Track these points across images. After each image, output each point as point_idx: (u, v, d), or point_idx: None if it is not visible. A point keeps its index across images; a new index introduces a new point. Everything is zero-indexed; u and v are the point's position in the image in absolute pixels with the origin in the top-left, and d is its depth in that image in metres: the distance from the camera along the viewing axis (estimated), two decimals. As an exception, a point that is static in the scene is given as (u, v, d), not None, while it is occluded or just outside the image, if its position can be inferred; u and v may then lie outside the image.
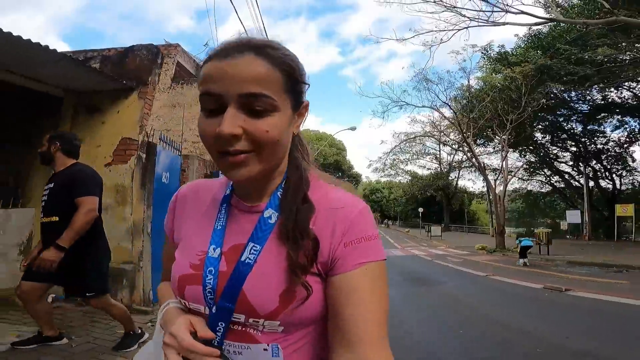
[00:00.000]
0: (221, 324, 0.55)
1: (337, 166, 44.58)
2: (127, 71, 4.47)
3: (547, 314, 4.81)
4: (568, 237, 22.61)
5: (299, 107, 0.60)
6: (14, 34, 2.93)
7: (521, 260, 10.76)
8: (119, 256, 3.87)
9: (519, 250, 11.14)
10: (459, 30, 12.06)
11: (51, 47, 3.32)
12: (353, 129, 22.73)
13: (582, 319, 4.46)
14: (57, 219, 2.46)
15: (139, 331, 2.80)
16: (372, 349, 0.52)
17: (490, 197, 20.64)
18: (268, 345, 0.55)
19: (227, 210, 0.63)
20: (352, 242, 0.56)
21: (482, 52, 18.14)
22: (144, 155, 4.27)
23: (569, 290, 6.09)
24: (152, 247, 4.30)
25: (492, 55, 18.38)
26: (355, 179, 49.03)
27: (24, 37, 3.01)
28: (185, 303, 0.60)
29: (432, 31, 13.19)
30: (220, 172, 0.61)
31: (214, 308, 0.56)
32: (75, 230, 2.36)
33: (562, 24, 12.85)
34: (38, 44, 3.18)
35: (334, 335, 0.54)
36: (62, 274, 2.36)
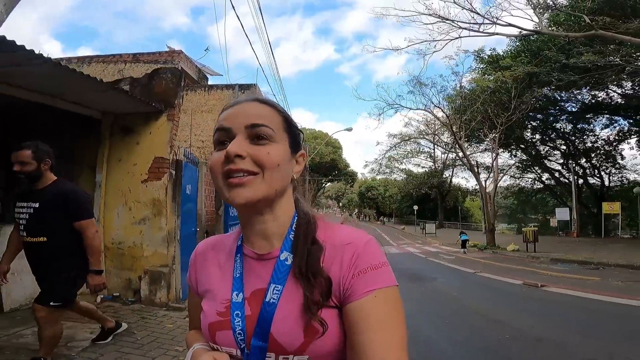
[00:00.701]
0: None
1: (333, 165, 45.09)
2: (155, 94, 5.02)
3: (520, 306, 5.55)
4: (560, 233, 23.24)
5: (296, 150, 0.68)
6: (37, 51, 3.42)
7: (462, 250, 15.93)
8: (157, 260, 4.54)
9: (460, 243, 16.42)
10: (451, 40, 12.81)
11: (44, 46, 3.96)
12: (349, 129, 23.31)
13: (548, 311, 5.18)
14: (44, 239, 2.40)
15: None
16: None
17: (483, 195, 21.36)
18: None
19: (242, 259, 0.68)
20: (360, 272, 0.59)
21: (474, 54, 18.88)
22: (173, 172, 4.90)
23: (544, 286, 6.83)
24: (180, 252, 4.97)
25: (484, 57, 19.15)
26: (351, 177, 49.58)
27: (70, 67, 3.60)
28: (218, 348, 0.64)
29: (425, 41, 14.01)
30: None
31: (248, 349, 0.60)
32: (97, 252, 2.54)
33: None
34: (87, 76, 3.78)
35: None
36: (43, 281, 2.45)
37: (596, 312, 4.97)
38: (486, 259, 13.07)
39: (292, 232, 0.66)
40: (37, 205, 2.41)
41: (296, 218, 0.68)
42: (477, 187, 21.38)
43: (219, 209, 8.23)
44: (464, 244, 16.21)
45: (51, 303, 2.39)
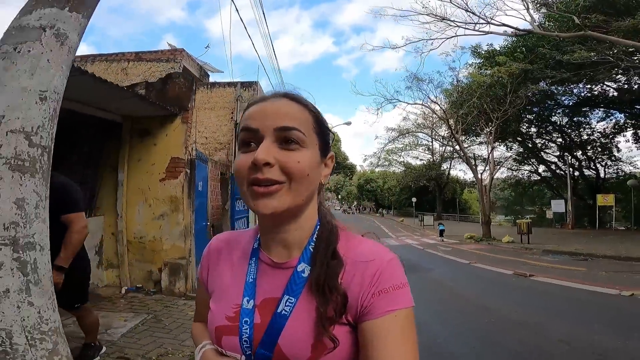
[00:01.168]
0: None
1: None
2: (169, 98, 5.37)
3: (508, 294, 6.01)
4: (556, 225, 23.60)
5: (326, 153, 0.65)
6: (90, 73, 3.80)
7: (439, 238, 18.48)
8: (176, 253, 4.96)
9: (438, 232, 19.24)
10: (448, 38, 13.17)
11: None
12: (348, 124, 23.68)
13: (532, 298, 5.64)
14: None
15: (99, 344, 2.79)
16: None
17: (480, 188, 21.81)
18: None
19: (257, 264, 0.66)
20: (380, 291, 0.58)
21: (471, 50, 19.21)
22: (188, 171, 5.29)
23: (532, 276, 7.29)
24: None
25: (481, 52, 19.46)
26: (350, 170, 49.93)
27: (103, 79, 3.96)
28: (222, 351, 0.64)
29: (422, 40, 14.34)
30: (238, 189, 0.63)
31: (252, 357, 0.60)
32: (72, 250, 2.30)
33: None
34: (116, 85, 4.15)
35: None
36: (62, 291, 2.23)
37: (576, 300, 5.41)
38: (481, 250, 13.54)
39: (313, 243, 0.64)
40: None
41: (318, 227, 0.66)
42: (475, 179, 21.80)
43: (226, 203, 8.63)
44: (441, 233, 18.85)
45: (75, 305, 2.49)
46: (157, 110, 5.15)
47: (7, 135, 1.35)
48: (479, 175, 20.51)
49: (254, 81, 12.20)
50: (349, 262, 0.61)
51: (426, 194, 41.49)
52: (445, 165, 39.37)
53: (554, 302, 5.36)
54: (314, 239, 0.65)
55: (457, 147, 21.33)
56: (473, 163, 21.29)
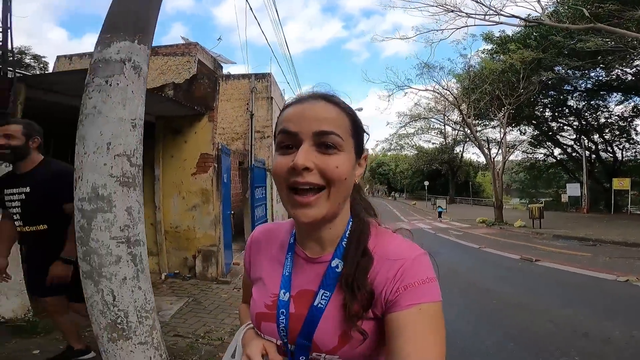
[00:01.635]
0: (302, 357, 0.66)
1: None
2: (195, 98, 5.85)
3: (512, 278, 6.43)
4: (571, 209, 23.50)
5: (360, 154, 0.68)
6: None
7: (439, 219, 20.53)
8: (207, 241, 5.53)
9: (437, 213, 21.84)
10: (458, 28, 13.21)
11: (49, 34, 4.70)
12: (360, 110, 23.77)
13: (533, 282, 6.04)
14: (45, 227, 2.20)
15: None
16: None
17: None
18: None
19: (292, 258, 0.72)
20: (406, 286, 0.61)
21: (483, 37, 18.97)
22: (216, 165, 5.81)
23: (538, 260, 7.66)
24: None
25: (493, 38, 19.20)
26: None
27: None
28: (261, 334, 0.71)
29: (432, 30, 14.33)
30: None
31: (290, 343, 0.67)
32: (75, 241, 2.09)
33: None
34: (156, 95, 4.62)
35: None
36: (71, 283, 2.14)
37: (574, 285, 5.78)
38: (492, 234, 13.77)
39: (345, 239, 0.67)
40: (27, 189, 2.17)
41: (351, 223, 0.69)
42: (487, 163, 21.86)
43: (246, 192, 9.16)
44: (439, 214, 21.53)
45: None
46: (186, 111, 5.62)
47: (114, 158, 1.78)
48: (492, 159, 20.57)
49: (267, 73, 12.57)
50: (376, 258, 0.65)
51: (439, 177, 41.53)
52: (458, 149, 39.21)
53: (552, 286, 5.76)
54: (347, 236, 0.68)
55: (469, 132, 21.34)
56: (486, 146, 21.32)
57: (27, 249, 2.36)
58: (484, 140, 23.35)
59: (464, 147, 38.34)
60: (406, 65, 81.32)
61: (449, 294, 5.46)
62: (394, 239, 0.70)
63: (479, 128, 23.98)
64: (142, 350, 1.83)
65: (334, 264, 0.67)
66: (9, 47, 3.73)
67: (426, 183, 37.64)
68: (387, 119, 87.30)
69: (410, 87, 20.84)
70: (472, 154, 44.12)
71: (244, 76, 12.31)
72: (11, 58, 3.79)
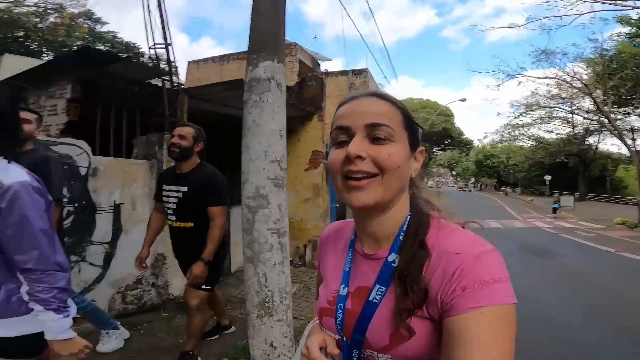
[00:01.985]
0: (355, 352, 0.67)
1: (445, 134, 42.66)
2: (305, 99, 6.39)
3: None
4: None
5: (415, 147, 0.67)
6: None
7: (552, 215, 19.51)
8: (317, 232, 6.06)
9: (552, 210, 20.31)
10: (581, 14, 11.18)
11: (174, 38, 5.03)
12: (463, 100, 22.26)
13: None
14: (191, 224, 2.44)
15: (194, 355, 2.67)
16: None
17: None
18: None
19: (352, 255, 0.73)
20: (464, 287, 0.55)
21: (617, 19, 15.71)
22: (325, 161, 6.33)
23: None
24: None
25: (630, 20, 15.73)
26: (466, 145, 46.41)
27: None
28: (323, 329, 0.74)
29: (547, 17, 12.42)
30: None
31: (346, 338, 0.68)
32: (215, 244, 2.39)
33: None
34: None
35: None
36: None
37: None
38: (634, 237, 11.63)
39: (403, 233, 0.66)
40: (185, 189, 2.41)
41: (409, 217, 0.67)
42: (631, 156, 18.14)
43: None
44: (554, 210, 20.25)
45: (203, 287, 2.43)
46: (299, 112, 6.25)
47: (270, 163, 2.19)
48: (637, 151, 17.01)
49: (364, 68, 12.67)
50: (435, 254, 0.61)
51: (565, 171, 35.87)
52: (591, 139, 33.23)
53: None
54: (404, 230, 0.66)
55: (606, 121, 17.98)
56: (630, 136, 17.71)
57: (174, 242, 2.59)
58: (627, 129, 19.44)
59: (599, 137, 32.32)
60: (516, 52, 72.17)
61: (575, 301, 4.97)
62: (457, 233, 0.65)
63: (619, 116, 20.01)
64: (279, 326, 2.22)
65: (390, 258, 0.66)
66: (172, 60, 4.07)
67: (547, 177, 32.92)
68: (496, 110, 78.54)
69: (524, 75, 18.54)
70: (611, 145, 37.01)
71: (342, 73, 12.63)
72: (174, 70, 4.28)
